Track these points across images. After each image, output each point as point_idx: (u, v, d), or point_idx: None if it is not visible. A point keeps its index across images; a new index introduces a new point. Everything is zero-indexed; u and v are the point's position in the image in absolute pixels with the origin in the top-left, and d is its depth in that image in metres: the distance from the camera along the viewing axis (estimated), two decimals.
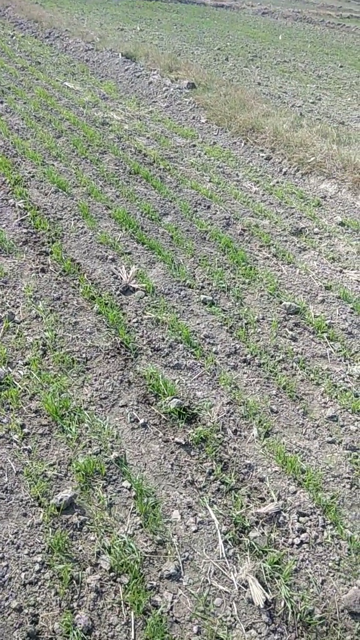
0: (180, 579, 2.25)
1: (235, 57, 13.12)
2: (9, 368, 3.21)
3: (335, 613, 2.16)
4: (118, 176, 5.95)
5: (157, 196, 5.61)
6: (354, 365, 3.56)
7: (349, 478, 2.72)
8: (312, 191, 6.11)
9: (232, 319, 3.93)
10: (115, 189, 5.64)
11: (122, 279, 4.20)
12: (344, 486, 2.69)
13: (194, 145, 7.14)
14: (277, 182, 6.26)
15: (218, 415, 3.07)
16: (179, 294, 4.15)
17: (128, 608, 2.12)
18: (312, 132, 6.93)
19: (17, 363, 3.28)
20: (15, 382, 3.12)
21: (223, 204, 5.62)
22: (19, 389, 3.08)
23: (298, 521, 2.48)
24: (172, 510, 2.52)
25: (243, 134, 7.40)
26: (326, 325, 3.90)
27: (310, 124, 7.37)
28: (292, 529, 2.45)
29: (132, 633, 2.03)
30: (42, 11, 15.54)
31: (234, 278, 4.43)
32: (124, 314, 3.85)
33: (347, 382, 3.42)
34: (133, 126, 7.60)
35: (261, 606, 2.13)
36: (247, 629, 2.09)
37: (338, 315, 4.05)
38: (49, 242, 4.58)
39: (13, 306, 3.79)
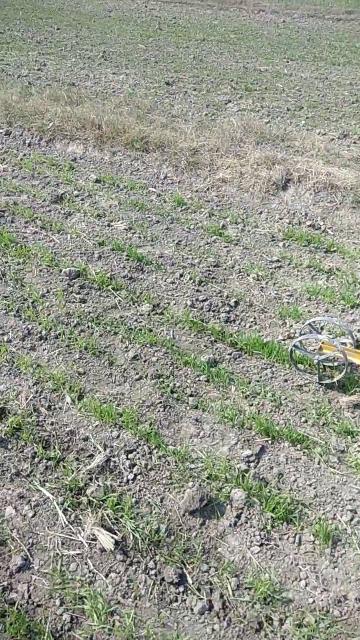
0: (31, 566, 2.20)
1: None
2: None
3: (178, 520, 2.36)
4: None
5: None
6: (142, 305, 3.77)
7: (160, 402, 2.93)
8: (62, 156, 6.08)
9: (16, 302, 3.78)
10: None
11: None
12: (159, 411, 2.89)
13: None
14: (24, 155, 6.06)
15: (27, 399, 2.98)
16: None
17: None
18: (44, 98, 6.80)
19: None
20: None
21: None
22: None
23: (127, 459, 2.61)
24: (5, 508, 2.42)
25: None
26: (108, 278, 4.02)
27: (40, 91, 7.21)
28: (124, 467, 2.57)
29: None
30: None
31: (6, 262, 4.23)
32: None
33: (139, 322, 3.61)
34: None
35: (112, 549, 2.22)
36: (106, 575, 2.16)
37: (117, 265, 4.20)
38: None
39: None
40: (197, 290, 3.96)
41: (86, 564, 2.20)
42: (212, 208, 5.13)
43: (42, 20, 14.38)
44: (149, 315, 3.70)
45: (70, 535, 2.30)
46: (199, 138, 5.96)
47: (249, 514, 2.39)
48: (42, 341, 3.45)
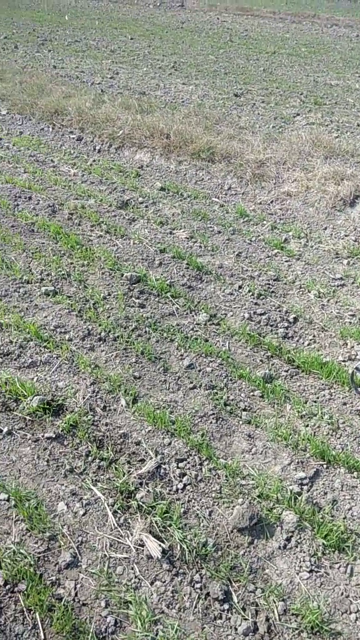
0: (79, 564, 2.23)
1: (24, 43, 12.58)
2: None
3: (226, 536, 2.33)
4: None
5: None
6: (199, 314, 3.78)
7: (213, 414, 2.92)
8: (129, 163, 6.22)
9: (78, 303, 3.89)
10: None
11: None
12: (211, 422, 2.88)
13: (0, 139, 6.77)
14: (94, 161, 6.24)
15: (84, 398, 3.05)
16: (18, 292, 3.98)
17: (32, 612, 2.05)
18: (116, 106, 6.99)
19: None
20: None
21: (44, 192, 5.45)
22: None
23: (177, 467, 2.61)
24: (57, 504, 2.48)
25: (49, 119, 7.19)
26: (168, 285, 4.06)
27: (112, 99, 7.43)
28: (174, 476, 2.57)
29: (41, 633, 1.99)
30: None
31: (72, 263, 4.36)
32: None
33: (196, 331, 3.62)
34: None
35: (160, 557, 2.22)
36: (152, 583, 2.16)
37: (176, 273, 4.24)
38: None
39: None
40: (256, 303, 3.93)
41: (132, 569, 2.21)
42: (275, 221, 5.08)
43: (116, 30, 14.84)
44: (205, 325, 3.70)
45: (119, 538, 2.32)
46: (265, 150, 5.93)
47: (300, 538, 2.32)
48: (101, 342, 3.53)
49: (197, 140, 6.12)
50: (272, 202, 5.38)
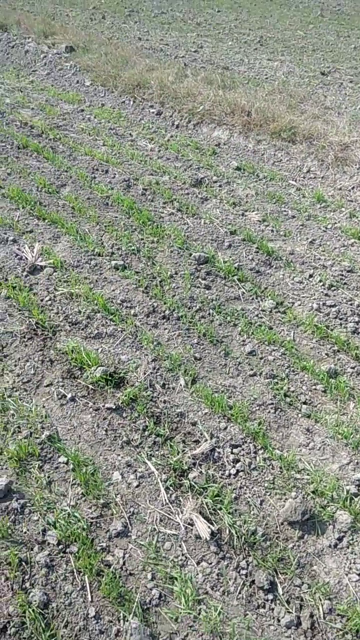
0: (129, 534, 2.30)
1: (112, 14, 12.59)
2: None
3: (276, 527, 2.31)
4: (6, 153, 5.64)
5: (51, 168, 5.39)
6: (265, 300, 3.70)
7: (272, 404, 2.87)
8: (206, 140, 6.12)
9: (146, 279, 3.92)
10: (5, 167, 5.35)
11: (27, 258, 4.05)
12: (269, 412, 2.83)
13: (82, 110, 6.88)
14: (172, 136, 6.20)
15: (145, 373, 3.10)
16: (89, 264, 4.07)
17: (81, 574, 2.15)
18: (198, 81, 6.87)
19: None
20: None
21: (121, 166, 5.50)
22: None
23: (232, 453, 2.60)
24: (112, 473, 2.55)
25: (130, 92, 7.20)
26: (235, 268, 4.00)
27: (195, 73, 7.30)
28: (227, 461, 2.57)
29: (89, 595, 2.08)
30: None
31: (142, 239, 4.40)
32: (35, 294, 3.73)
33: (260, 317, 3.55)
34: (15, 99, 7.17)
35: (208, 539, 2.24)
36: (198, 563, 2.19)
37: (245, 256, 4.16)
38: None
39: None
40: (326, 294, 3.78)
41: (180, 546, 2.25)
42: (354, 209, 4.83)
43: (203, 2, 14.48)
44: (271, 312, 3.62)
45: (169, 514, 2.36)
46: (351, 133, 5.62)
47: (352, 539, 2.26)
48: (165, 320, 3.55)
49: (278, 119, 5.90)
50: (353, 188, 5.12)
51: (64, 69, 8.41)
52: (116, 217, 4.67)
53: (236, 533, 2.25)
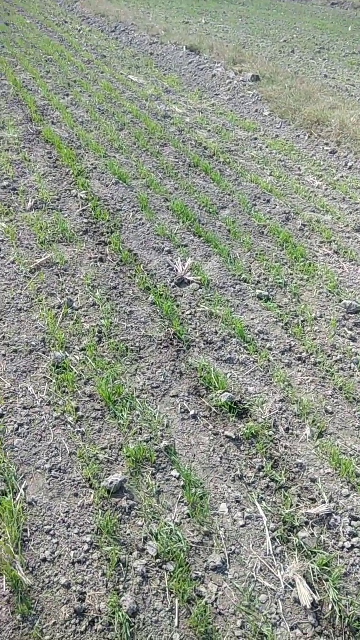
0: (226, 571, 2.23)
1: (301, 49, 12.77)
2: (66, 352, 3.31)
3: None
4: (178, 169, 5.96)
5: (216, 189, 5.57)
6: None
7: None
8: None
9: (288, 315, 3.84)
10: (174, 182, 5.65)
11: (177, 271, 4.21)
12: None
13: (256, 139, 7.04)
14: (342, 177, 6.05)
15: (270, 412, 3.02)
16: (234, 288, 4.11)
17: (173, 595, 2.13)
18: None
19: (74, 348, 3.37)
20: (72, 367, 3.21)
21: (283, 198, 5.50)
22: (75, 373, 3.17)
23: (350, 525, 2.40)
24: (220, 503, 2.51)
25: (307, 127, 7.20)
26: None
27: None
28: (344, 532, 2.38)
29: (176, 620, 2.05)
30: (109, 6, 15.79)
31: (291, 274, 4.33)
32: (178, 305, 3.86)
33: None
34: (194, 119, 7.59)
35: (308, 607, 2.08)
36: (292, 629, 2.05)
37: None
38: (108, 233, 4.66)
39: (72, 293, 3.90)
40: None
41: (276, 604, 2.12)
42: None
43: None
44: None
45: (271, 567, 2.25)
46: None
47: None
48: (300, 363, 3.43)
49: None
50: None
51: (246, 97, 8.70)
52: (269, 247, 4.67)
53: (340, 612, 2.07)
